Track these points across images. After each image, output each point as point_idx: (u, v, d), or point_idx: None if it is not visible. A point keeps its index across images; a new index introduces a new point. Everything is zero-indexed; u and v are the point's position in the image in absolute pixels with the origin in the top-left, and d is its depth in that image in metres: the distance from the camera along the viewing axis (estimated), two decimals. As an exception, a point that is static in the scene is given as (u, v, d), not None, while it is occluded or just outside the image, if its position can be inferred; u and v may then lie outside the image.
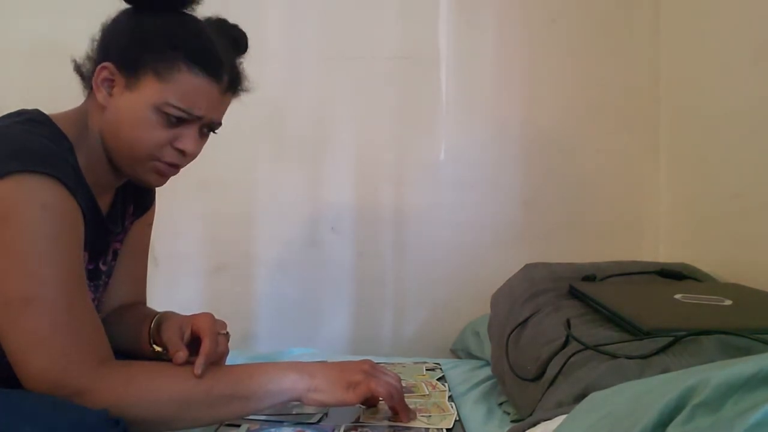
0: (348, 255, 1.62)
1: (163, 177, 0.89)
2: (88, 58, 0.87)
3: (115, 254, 0.98)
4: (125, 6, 0.85)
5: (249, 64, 0.93)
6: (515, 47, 1.61)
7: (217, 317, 0.92)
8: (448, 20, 1.61)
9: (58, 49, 1.52)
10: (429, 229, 1.61)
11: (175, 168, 0.88)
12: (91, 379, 0.71)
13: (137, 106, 0.82)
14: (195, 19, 0.87)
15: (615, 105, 1.61)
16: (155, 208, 1.07)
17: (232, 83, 0.88)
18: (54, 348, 0.71)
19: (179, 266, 1.59)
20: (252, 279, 1.61)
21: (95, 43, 0.87)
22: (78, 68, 0.88)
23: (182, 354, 0.80)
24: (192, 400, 0.76)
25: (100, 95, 0.84)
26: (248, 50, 0.94)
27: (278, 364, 0.86)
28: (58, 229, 0.73)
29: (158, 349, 0.91)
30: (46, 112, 0.83)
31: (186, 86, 0.82)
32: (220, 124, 0.90)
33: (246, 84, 0.92)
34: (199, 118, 0.85)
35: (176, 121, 0.83)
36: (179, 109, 0.82)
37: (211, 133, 0.90)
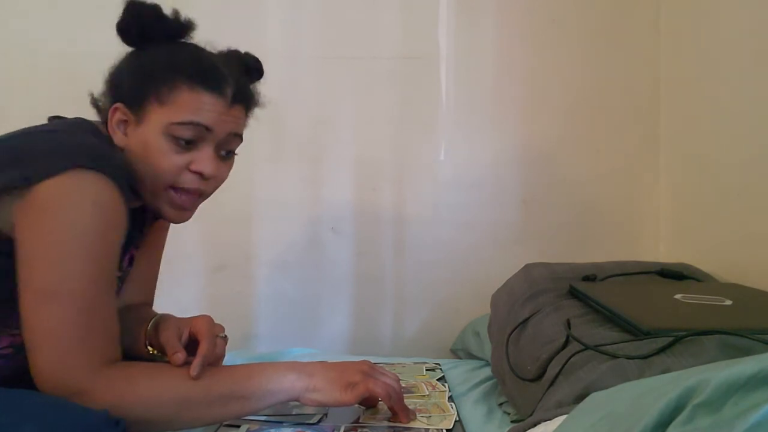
0: (348, 255, 1.61)
1: (186, 210, 0.89)
2: (103, 95, 0.90)
3: (131, 260, 0.98)
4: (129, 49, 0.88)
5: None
6: (515, 47, 1.61)
7: (217, 317, 0.92)
8: (448, 20, 1.61)
9: (59, 52, 1.53)
10: (429, 229, 1.61)
11: (198, 196, 0.88)
12: (91, 380, 0.72)
13: (149, 137, 0.83)
14: (193, 45, 0.89)
15: (615, 105, 1.61)
16: None
17: (240, 97, 0.88)
18: (63, 344, 0.72)
19: (179, 266, 1.59)
20: (252, 279, 1.61)
21: (105, 83, 0.89)
22: (95, 103, 0.90)
23: (180, 355, 0.80)
24: (192, 400, 0.76)
25: (117, 138, 0.86)
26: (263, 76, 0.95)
27: (277, 364, 0.86)
28: (103, 227, 0.75)
29: (153, 351, 0.91)
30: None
31: (187, 103, 0.82)
32: (239, 138, 0.90)
33: (258, 99, 0.93)
34: (207, 130, 0.84)
35: (187, 141, 0.83)
36: (184, 124, 0.82)
37: (234, 154, 0.91)
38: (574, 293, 1.10)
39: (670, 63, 1.56)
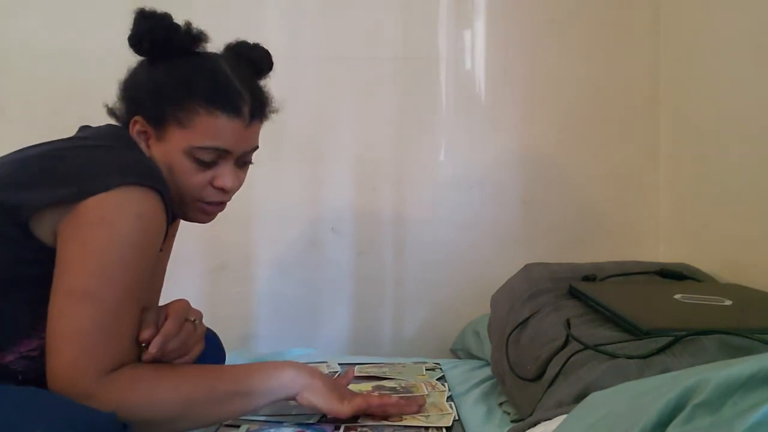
0: (348, 255, 1.61)
1: (210, 215, 0.93)
2: (119, 100, 0.91)
3: None
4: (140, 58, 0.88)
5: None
6: (515, 47, 1.61)
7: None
8: (448, 20, 1.61)
9: (59, 52, 1.53)
10: (429, 229, 1.61)
11: (221, 205, 0.92)
12: (98, 383, 0.73)
13: (171, 155, 0.86)
14: (208, 58, 0.89)
15: (615, 105, 1.61)
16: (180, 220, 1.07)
17: (256, 112, 0.89)
18: (81, 346, 0.73)
19: (179, 266, 1.58)
20: (252, 279, 1.61)
21: (120, 94, 0.90)
22: (112, 112, 0.91)
23: (147, 332, 0.80)
24: (196, 399, 0.78)
25: (141, 147, 0.88)
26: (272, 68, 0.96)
27: (278, 362, 0.88)
28: (142, 239, 0.78)
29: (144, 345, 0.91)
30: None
31: (207, 128, 0.84)
32: (256, 148, 0.93)
33: (273, 106, 0.95)
34: (227, 152, 0.87)
35: (209, 161, 0.86)
36: (206, 149, 0.85)
37: (251, 164, 0.94)
38: (574, 293, 1.10)
39: (670, 63, 1.56)
